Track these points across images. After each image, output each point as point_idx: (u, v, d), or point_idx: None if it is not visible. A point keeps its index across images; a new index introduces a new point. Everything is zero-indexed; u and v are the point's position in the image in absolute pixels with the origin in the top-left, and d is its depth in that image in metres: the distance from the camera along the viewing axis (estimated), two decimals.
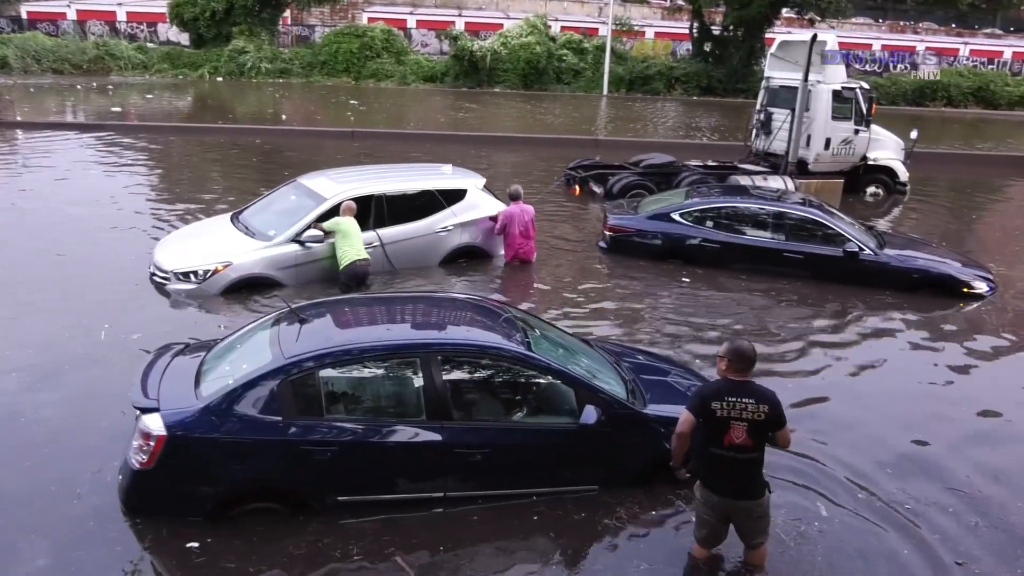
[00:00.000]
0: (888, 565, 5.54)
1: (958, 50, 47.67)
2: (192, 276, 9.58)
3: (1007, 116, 37.14)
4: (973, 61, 45.56)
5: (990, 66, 45.10)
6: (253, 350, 5.89)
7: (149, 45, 38.88)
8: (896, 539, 5.80)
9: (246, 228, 10.37)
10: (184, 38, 39.33)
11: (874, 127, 16.98)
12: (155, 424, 5.27)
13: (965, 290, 10.98)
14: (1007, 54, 47.53)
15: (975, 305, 10.82)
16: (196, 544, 5.29)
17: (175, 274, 9.62)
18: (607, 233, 12.26)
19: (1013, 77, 41.80)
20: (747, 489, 4.94)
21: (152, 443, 5.25)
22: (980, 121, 35.13)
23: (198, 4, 35.97)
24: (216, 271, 9.59)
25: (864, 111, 16.66)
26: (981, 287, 11.03)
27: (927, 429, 7.40)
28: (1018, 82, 40.60)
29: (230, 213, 11.20)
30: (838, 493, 6.32)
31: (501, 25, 42.34)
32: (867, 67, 44.78)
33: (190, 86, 33.32)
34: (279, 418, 5.38)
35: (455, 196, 11.15)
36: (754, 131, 18.06)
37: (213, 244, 10.12)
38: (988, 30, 58.99)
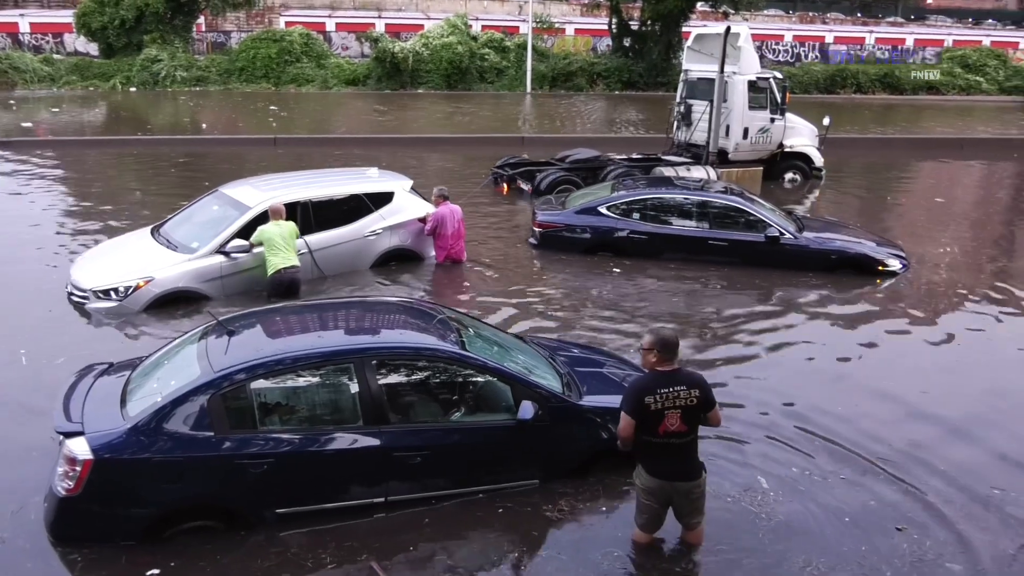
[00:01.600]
0: (829, 533, 5.74)
1: (864, 38, 49.53)
2: (112, 293, 9.26)
3: (912, 101, 38.89)
4: (879, 49, 47.40)
5: (894, 53, 47.01)
6: (181, 365, 5.74)
7: (56, 57, 37.31)
8: (835, 508, 6.01)
9: (168, 241, 10.08)
10: (93, 48, 37.93)
11: (789, 115, 17.54)
12: (80, 448, 5.09)
13: (880, 268, 11.45)
14: (909, 41, 49.63)
15: (890, 282, 11.30)
16: (157, 571, 5.11)
17: (94, 292, 9.28)
18: (536, 229, 12.36)
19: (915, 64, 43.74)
20: (686, 471, 5.08)
21: (78, 468, 5.06)
22: (888, 106, 36.66)
23: (106, 13, 34.76)
24: (138, 287, 9.29)
25: (779, 100, 17.20)
26: (895, 264, 11.53)
27: (852, 401, 7.70)
28: (920, 67, 42.49)
29: (150, 227, 10.87)
30: (777, 466, 6.54)
31: (422, 26, 42.16)
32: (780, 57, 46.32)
33: (102, 98, 32.17)
34: (211, 433, 5.26)
35: (382, 199, 11.05)
36: (675, 123, 18.44)
37: (133, 259, 9.80)
38: (891, 19, 61.62)
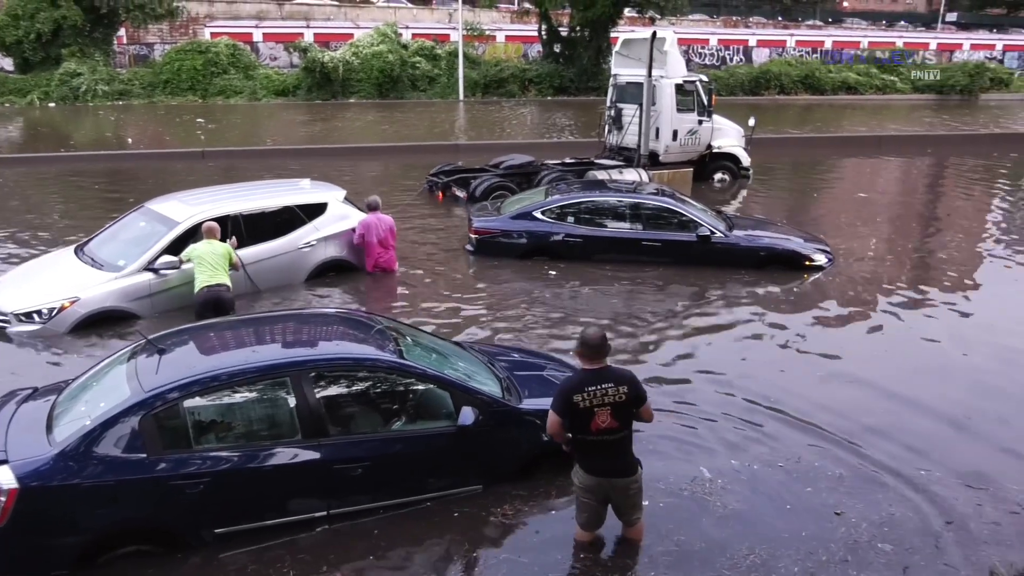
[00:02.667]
0: (771, 520, 5.90)
1: (785, 41, 51.07)
2: (35, 316, 8.95)
3: (832, 100, 40.30)
4: (799, 51, 48.94)
5: (814, 55, 48.59)
6: (109, 387, 5.58)
7: None
8: (776, 496, 6.20)
9: (92, 260, 9.77)
10: (8, 63, 36.60)
11: (716, 117, 17.97)
12: (4, 477, 4.89)
13: (807, 263, 11.83)
14: (828, 43, 51.35)
15: (817, 276, 11.67)
16: None
17: (15, 315, 8.94)
18: (472, 236, 12.38)
19: (835, 64, 45.31)
20: (621, 467, 5.15)
21: (3, 498, 4.87)
22: (809, 106, 37.90)
23: (21, 26, 33.56)
24: (62, 308, 9.00)
25: (705, 102, 17.60)
26: (821, 259, 11.92)
27: (786, 391, 7.94)
28: (839, 68, 44.05)
29: (73, 245, 10.53)
30: (719, 458, 6.70)
31: (351, 35, 41.78)
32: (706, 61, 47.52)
33: (19, 114, 31.03)
34: (144, 455, 5.13)
35: (316, 210, 10.95)
36: (607, 127, 18.71)
37: (57, 280, 9.47)
38: (810, 22, 63.80)
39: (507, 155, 17.61)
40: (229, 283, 9.23)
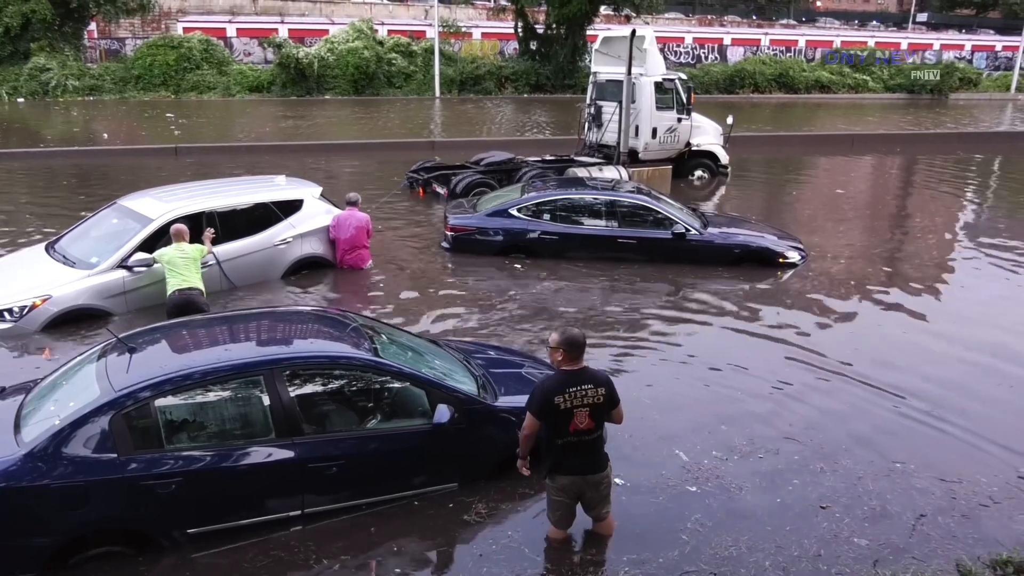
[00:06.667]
0: (760, 513, 5.93)
1: (759, 40, 51.49)
2: (6, 314, 8.78)
3: (806, 99, 40.71)
4: (773, 50, 49.35)
5: (788, 54, 49.03)
6: (79, 386, 5.49)
7: None
8: (766, 489, 6.25)
9: (64, 257, 9.62)
10: None
11: (695, 115, 18.08)
12: None
13: (781, 260, 11.93)
14: (801, 42, 51.85)
15: (791, 273, 11.78)
16: None
17: None
18: (448, 233, 12.35)
19: (808, 63, 45.81)
20: (593, 464, 5.21)
21: None
22: (783, 105, 38.25)
23: None
24: (33, 306, 8.85)
25: (684, 100, 17.71)
26: (794, 256, 12.03)
27: (761, 386, 8.02)
28: (813, 67, 44.54)
29: (44, 243, 10.37)
30: (697, 449, 6.76)
31: (326, 31, 41.57)
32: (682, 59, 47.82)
33: None
34: (115, 455, 5.05)
35: (291, 207, 10.88)
36: (586, 124, 18.74)
37: (28, 277, 9.32)
38: (784, 21, 64.38)
39: (487, 152, 17.63)
40: (201, 286, 9.05)
